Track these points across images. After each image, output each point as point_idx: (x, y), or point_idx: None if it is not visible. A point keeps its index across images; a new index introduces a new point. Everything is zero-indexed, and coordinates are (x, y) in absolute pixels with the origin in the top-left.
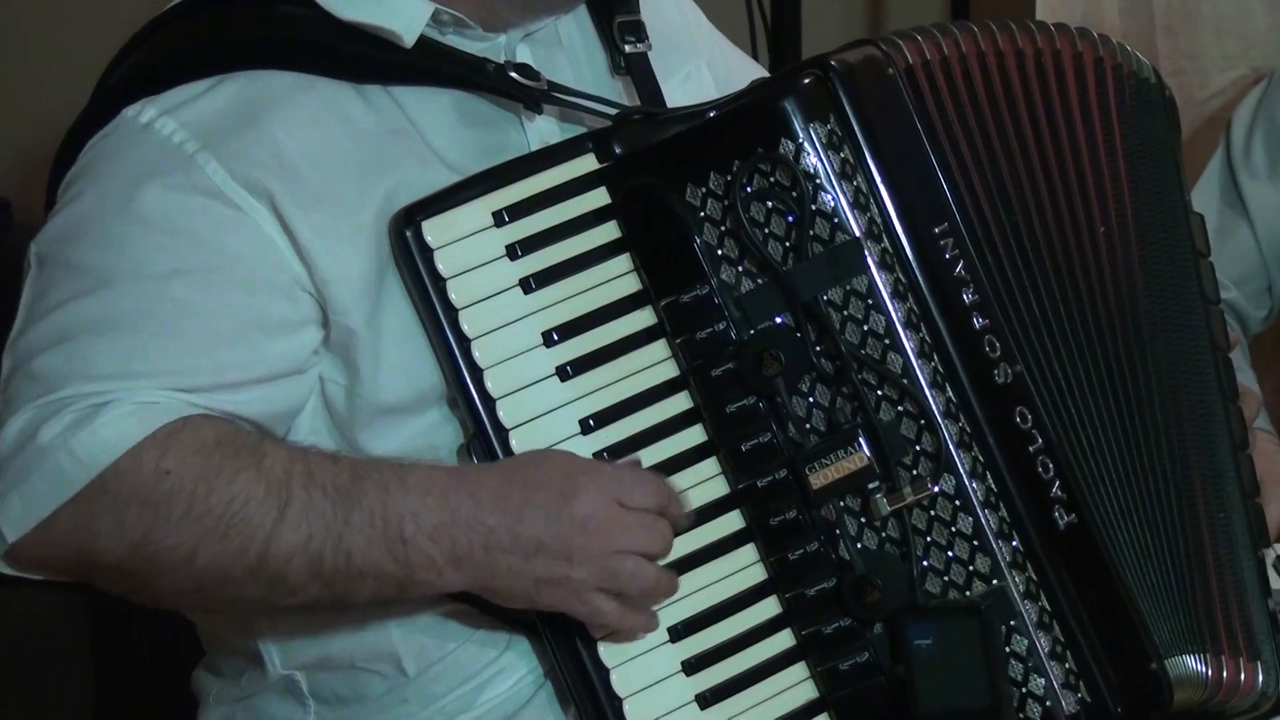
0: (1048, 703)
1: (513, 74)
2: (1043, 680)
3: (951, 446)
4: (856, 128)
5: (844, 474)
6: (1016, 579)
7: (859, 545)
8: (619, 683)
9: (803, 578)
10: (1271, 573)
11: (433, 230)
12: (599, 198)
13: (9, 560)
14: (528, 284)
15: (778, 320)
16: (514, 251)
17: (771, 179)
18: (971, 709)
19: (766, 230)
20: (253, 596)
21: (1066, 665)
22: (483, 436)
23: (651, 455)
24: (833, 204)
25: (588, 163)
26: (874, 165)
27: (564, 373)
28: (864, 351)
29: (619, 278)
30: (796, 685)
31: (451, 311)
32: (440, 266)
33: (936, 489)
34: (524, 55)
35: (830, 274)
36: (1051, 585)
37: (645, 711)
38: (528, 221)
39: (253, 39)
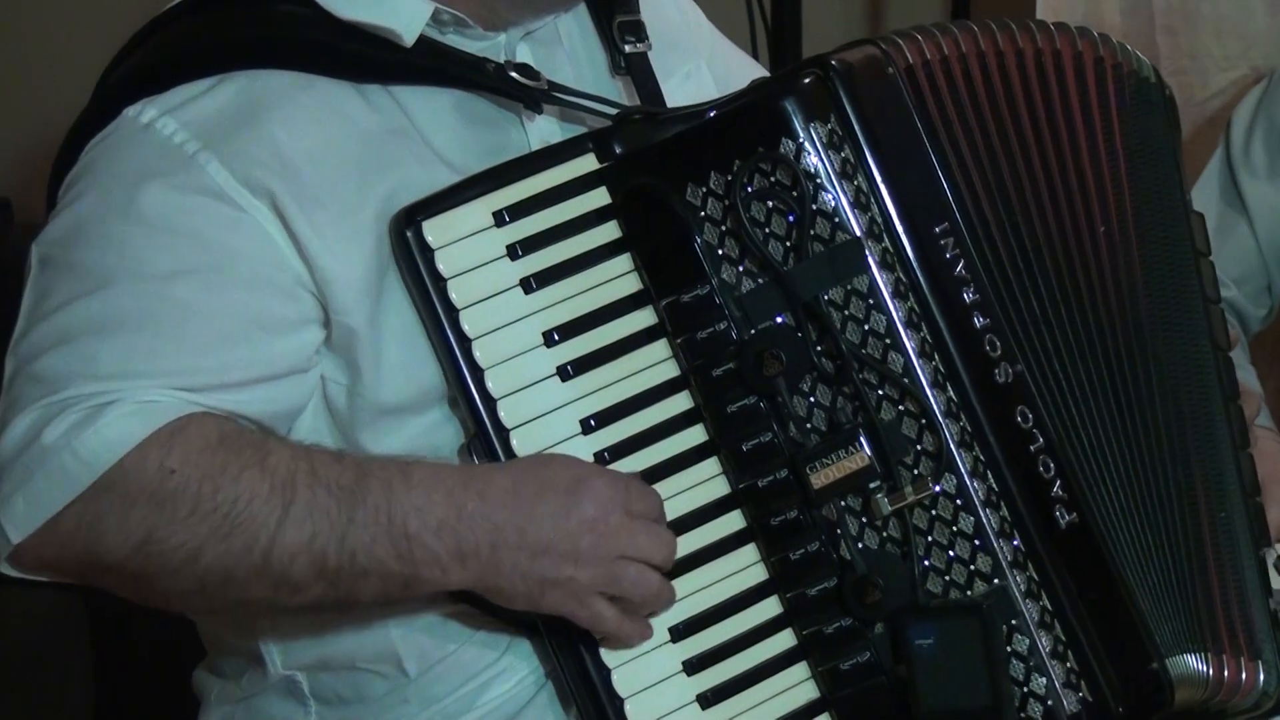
0: (1049, 702)
1: (513, 73)
2: (1044, 679)
3: (952, 446)
4: (857, 127)
5: (845, 473)
6: (1018, 578)
7: (860, 545)
8: (620, 683)
9: (804, 577)
10: (1272, 572)
11: (433, 230)
12: (599, 197)
13: (13, 562)
14: (528, 284)
15: (778, 320)
16: (514, 251)
17: (772, 178)
18: (973, 708)
19: (767, 230)
20: (256, 596)
21: (1068, 664)
22: (483, 436)
23: (652, 455)
24: (833, 203)
25: (588, 162)
26: (874, 165)
27: (565, 373)
28: (865, 351)
29: (620, 278)
30: (798, 685)
31: (452, 311)
32: (441, 266)
33: (938, 488)
34: (524, 55)
35: (831, 273)
36: (1053, 584)
37: (647, 712)
38: (528, 221)
39: (253, 39)
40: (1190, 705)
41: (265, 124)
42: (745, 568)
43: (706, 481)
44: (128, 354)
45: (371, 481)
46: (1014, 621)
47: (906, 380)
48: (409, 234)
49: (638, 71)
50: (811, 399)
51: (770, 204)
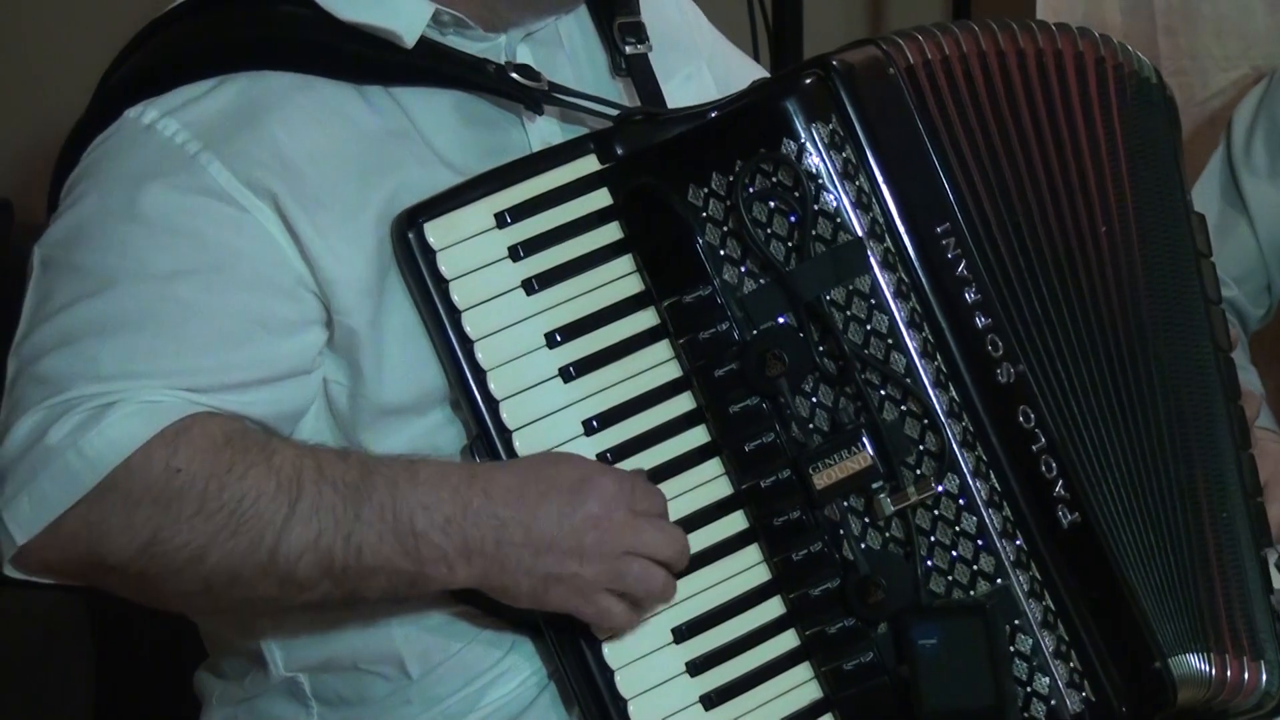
0: (1052, 702)
1: (513, 74)
2: (1047, 679)
3: (955, 446)
4: (858, 127)
5: (847, 474)
6: (1020, 578)
7: (863, 545)
8: (623, 684)
9: (807, 578)
10: (1274, 572)
11: (435, 232)
12: (601, 199)
13: (17, 564)
14: (530, 285)
15: (780, 320)
16: (516, 253)
17: (774, 179)
18: (976, 708)
19: (769, 230)
20: (262, 595)
21: (1071, 664)
22: (486, 438)
23: (654, 456)
24: (835, 204)
25: (589, 163)
26: (876, 165)
27: (567, 374)
28: (867, 351)
29: (621, 279)
30: (801, 686)
31: (454, 313)
32: (443, 268)
33: (940, 488)
34: (524, 56)
35: (833, 274)
36: (1055, 584)
37: (650, 712)
38: (530, 223)
39: (253, 40)
40: (1193, 705)
41: (266, 125)
42: (748, 568)
43: (709, 482)
44: (129, 354)
45: (377, 479)
46: (1017, 621)
47: (909, 380)
48: (411, 235)
49: (638, 73)
50: (814, 399)
51: (772, 204)
